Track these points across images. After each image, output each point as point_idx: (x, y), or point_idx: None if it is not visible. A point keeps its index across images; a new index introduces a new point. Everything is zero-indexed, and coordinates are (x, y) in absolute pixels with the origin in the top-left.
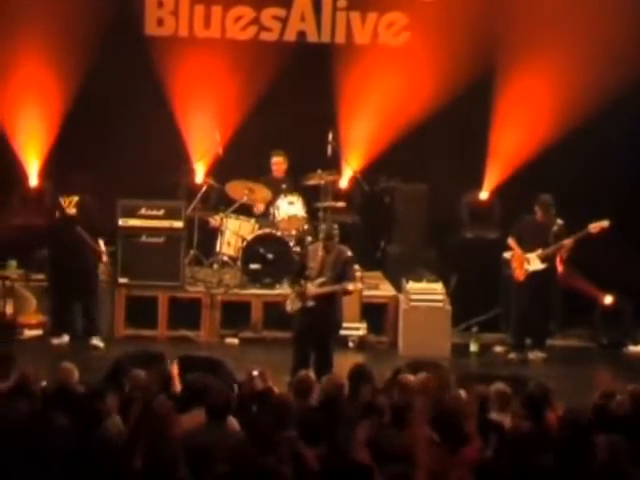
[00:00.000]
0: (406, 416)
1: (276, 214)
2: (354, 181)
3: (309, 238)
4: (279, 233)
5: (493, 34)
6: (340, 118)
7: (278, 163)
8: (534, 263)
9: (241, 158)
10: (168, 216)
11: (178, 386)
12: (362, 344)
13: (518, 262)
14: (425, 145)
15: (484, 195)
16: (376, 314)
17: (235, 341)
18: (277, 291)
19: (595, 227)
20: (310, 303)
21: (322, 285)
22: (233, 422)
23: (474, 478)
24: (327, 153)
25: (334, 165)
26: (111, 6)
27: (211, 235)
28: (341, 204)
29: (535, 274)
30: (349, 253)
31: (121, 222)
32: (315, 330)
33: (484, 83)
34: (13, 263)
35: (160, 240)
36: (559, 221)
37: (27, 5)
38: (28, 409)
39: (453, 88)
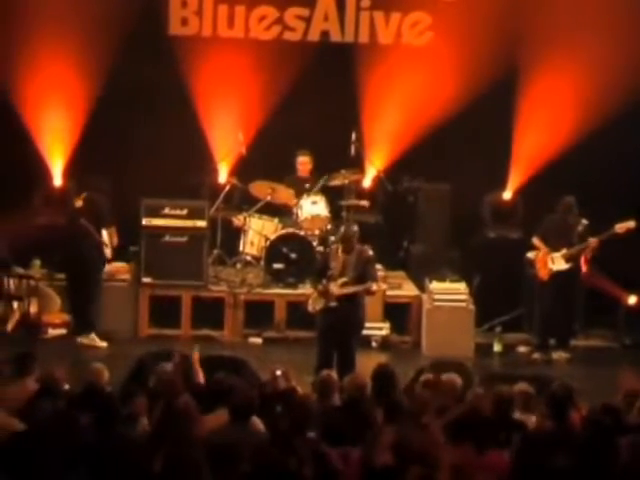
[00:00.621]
0: (430, 416)
1: (299, 213)
2: (377, 181)
3: (332, 238)
4: (302, 233)
5: (516, 34)
6: (363, 118)
7: (304, 163)
8: (558, 263)
9: (264, 158)
10: (191, 216)
11: (201, 376)
12: (385, 344)
13: (542, 262)
14: (448, 145)
15: (507, 195)
16: (399, 314)
17: (258, 341)
18: (300, 291)
19: (621, 227)
20: (333, 303)
21: (344, 285)
22: (257, 422)
23: None
24: (350, 153)
25: (357, 165)
26: (135, 6)
27: (234, 235)
28: (364, 204)
29: (559, 274)
30: (370, 252)
31: (145, 222)
32: (338, 330)
33: (507, 83)
34: (37, 262)
35: (183, 240)
36: (584, 221)
37: (52, 5)
38: (53, 409)
39: (476, 88)
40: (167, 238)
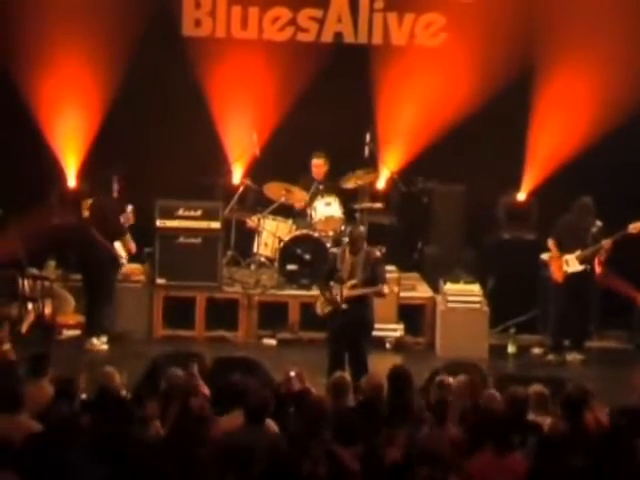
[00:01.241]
0: (444, 417)
1: (313, 215)
2: (391, 182)
3: (345, 239)
4: (316, 234)
5: (531, 34)
6: (377, 119)
7: (318, 166)
8: (573, 265)
9: (278, 159)
10: (206, 217)
11: (205, 389)
12: (399, 345)
13: (557, 264)
14: (462, 146)
15: (522, 196)
16: (413, 315)
17: (272, 342)
18: (314, 292)
19: (635, 227)
20: (344, 306)
21: (354, 287)
22: (271, 424)
23: None
24: (364, 154)
25: (371, 166)
26: (149, 7)
27: (248, 236)
28: (378, 205)
29: (573, 275)
30: (378, 253)
31: (159, 223)
32: (348, 331)
33: (522, 83)
34: (52, 263)
35: (198, 241)
36: (598, 222)
37: (66, 6)
38: (70, 411)
39: (490, 88)
40: (181, 239)
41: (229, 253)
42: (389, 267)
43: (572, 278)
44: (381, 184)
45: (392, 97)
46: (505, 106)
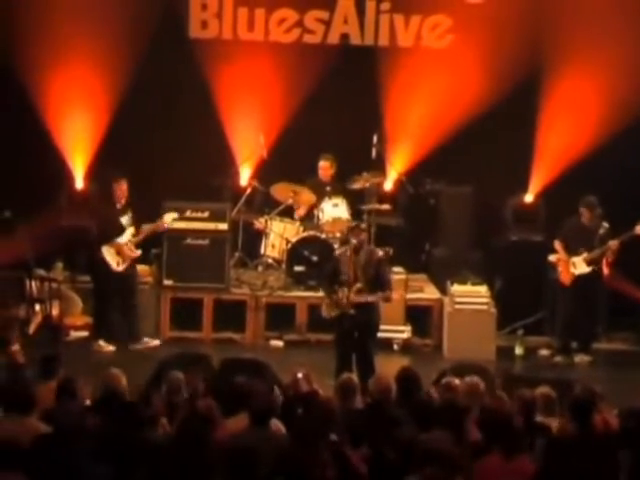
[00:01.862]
0: (452, 419)
1: (320, 216)
2: (399, 183)
3: (354, 240)
4: (323, 235)
5: (538, 36)
6: (384, 120)
7: (325, 168)
8: (580, 266)
9: (285, 160)
10: (213, 218)
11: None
12: (407, 347)
13: (564, 266)
14: (470, 147)
15: (529, 197)
16: (421, 317)
17: (280, 343)
18: (321, 293)
19: None
20: (351, 311)
21: (360, 292)
22: (278, 425)
23: None
24: (372, 155)
25: (379, 167)
26: (156, 9)
27: (256, 237)
28: (386, 207)
29: (581, 277)
30: (380, 253)
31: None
32: (355, 334)
33: (529, 85)
34: (59, 265)
35: (205, 242)
36: (605, 224)
37: (73, 8)
38: (75, 412)
39: (498, 91)
40: (189, 241)
41: (236, 254)
42: (396, 269)
43: (579, 280)
44: (388, 185)
45: (399, 99)
46: (512, 108)
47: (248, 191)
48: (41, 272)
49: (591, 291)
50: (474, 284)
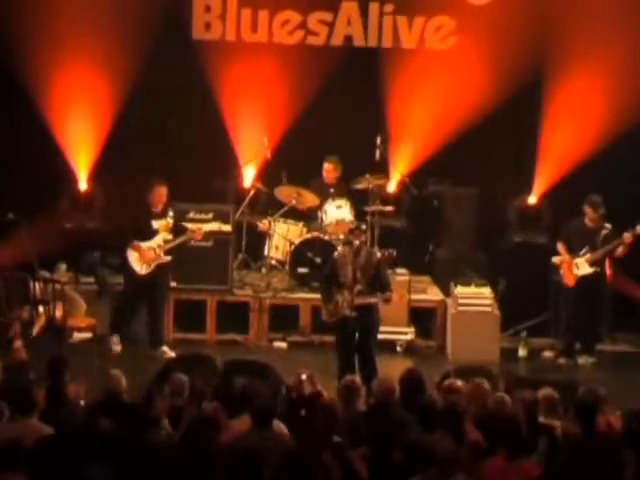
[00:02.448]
0: (455, 421)
1: (324, 218)
2: (402, 185)
3: (357, 242)
4: (327, 237)
5: (541, 37)
6: (388, 122)
7: (328, 170)
8: (583, 267)
9: (289, 162)
10: (217, 220)
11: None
12: (410, 349)
13: (567, 267)
14: (474, 149)
15: (533, 199)
16: (424, 318)
17: (283, 345)
18: None
19: None
20: (353, 313)
21: (360, 294)
22: (280, 426)
23: None
24: (375, 157)
25: (382, 169)
26: (159, 10)
27: (259, 239)
28: (389, 208)
29: (584, 278)
30: (379, 254)
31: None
32: (357, 336)
33: (533, 86)
34: (63, 266)
35: (209, 244)
36: (608, 225)
37: (76, 10)
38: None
39: (501, 92)
40: (192, 242)
41: (240, 256)
42: (400, 270)
43: (583, 281)
44: (392, 187)
45: (402, 100)
46: (516, 109)
47: (252, 193)
48: (45, 273)
49: (594, 292)
50: (478, 286)
